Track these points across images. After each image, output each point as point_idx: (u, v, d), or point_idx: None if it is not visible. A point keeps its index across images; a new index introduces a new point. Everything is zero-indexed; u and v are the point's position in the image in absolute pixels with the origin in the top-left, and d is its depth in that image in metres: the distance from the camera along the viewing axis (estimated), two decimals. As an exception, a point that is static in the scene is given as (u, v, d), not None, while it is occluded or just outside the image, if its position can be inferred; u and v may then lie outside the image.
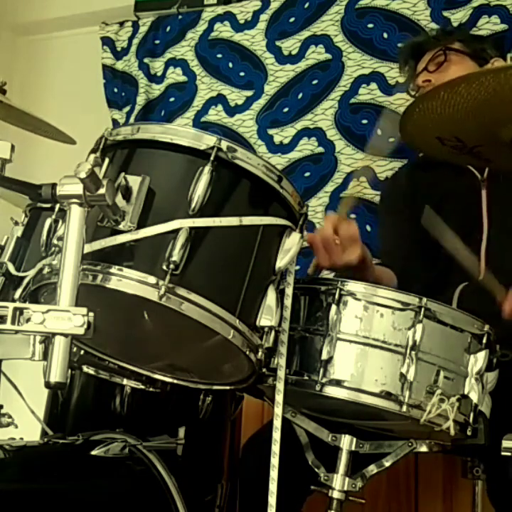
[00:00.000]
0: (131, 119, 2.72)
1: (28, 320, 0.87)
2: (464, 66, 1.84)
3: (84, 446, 1.43)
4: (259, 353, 1.13)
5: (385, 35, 2.34)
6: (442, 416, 1.17)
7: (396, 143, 2.19)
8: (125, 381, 1.54)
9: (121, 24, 2.83)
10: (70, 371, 1.37)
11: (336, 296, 1.19)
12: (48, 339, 0.88)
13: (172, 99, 2.69)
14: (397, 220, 1.91)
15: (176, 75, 2.69)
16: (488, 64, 1.85)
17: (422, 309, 1.18)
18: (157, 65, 2.73)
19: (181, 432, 1.57)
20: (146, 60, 2.75)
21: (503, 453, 1.17)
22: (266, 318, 1.13)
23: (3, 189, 1.07)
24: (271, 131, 2.48)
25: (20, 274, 1.36)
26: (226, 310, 1.07)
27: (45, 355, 0.89)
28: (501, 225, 1.73)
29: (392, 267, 1.74)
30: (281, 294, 1.17)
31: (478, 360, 1.21)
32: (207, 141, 1.10)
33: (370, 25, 2.36)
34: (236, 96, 2.57)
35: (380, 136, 1.96)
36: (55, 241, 1.11)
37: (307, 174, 2.39)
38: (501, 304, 1.36)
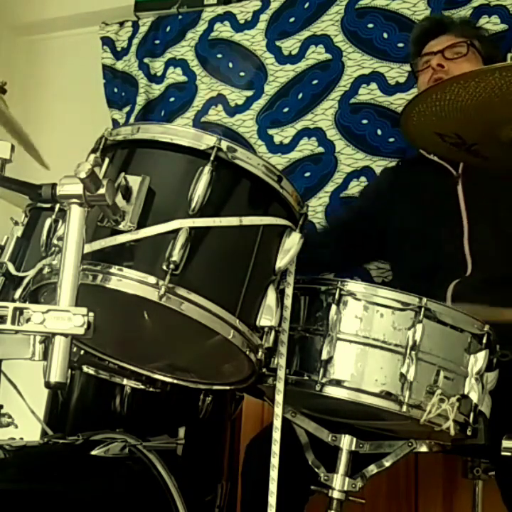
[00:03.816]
0: (131, 119, 2.71)
1: (28, 320, 0.87)
2: (477, 66, 1.83)
3: (84, 446, 1.43)
4: (259, 353, 1.13)
5: (385, 35, 2.34)
6: (442, 416, 1.17)
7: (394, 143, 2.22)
8: (125, 381, 1.54)
9: (121, 24, 2.83)
10: (70, 371, 1.37)
11: (336, 296, 1.19)
12: (47, 339, 0.88)
13: (172, 99, 2.68)
14: (365, 204, 2.02)
15: (175, 75, 2.69)
16: None
17: (422, 309, 1.18)
18: (157, 65, 2.73)
19: (181, 432, 1.57)
20: (146, 60, 2.75)
21: (503, 453, 1.17)
22: (266, 318, 1.13)
23: (3, 189, 1.07)
24: (271, 131, 2.48)
25: (20, 274, 1.35)
26: (226, 310, 1.07)
27: (45, 355, 0.89)
28: (480, 218, 1.74)
29: None
30: (281, 294, 1.17)
31: (478, 360, 1.21)
32: (207, 141, 1.10)
33: (370, 25, 2.36)
34: (236, 96, 2.57)
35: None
36: (55, 241, 1.11)
37: (307, 174, 2.38)
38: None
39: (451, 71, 1.80)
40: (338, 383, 1.16)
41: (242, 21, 2.60)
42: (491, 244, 1.70)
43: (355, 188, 2.28)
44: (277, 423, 1.15)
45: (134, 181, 1.07)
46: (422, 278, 1.73)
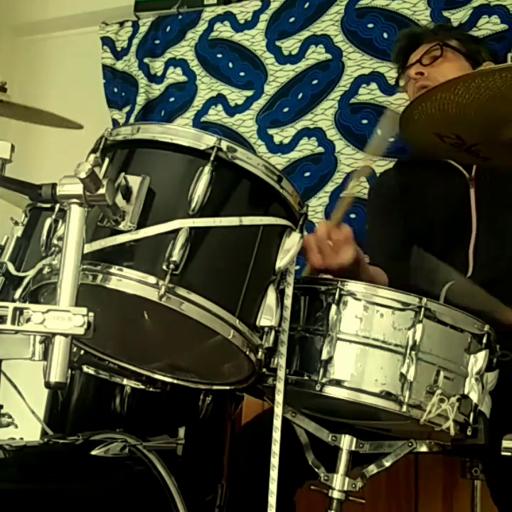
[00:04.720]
0: (131, 119, 2.72)
1: (28, 320, 0.87)
2: (458, 65, 1.84)
3: (84, 446, 1.43)
4: (259, 353, 1.13)
5: (385, 35, 2.34)
6: (442, 416, 1.16)
7: (395, 142, 2.19)
8: (125, 381, 1.54)
9: (121, 24, 2.83)
10: (70, 371, 1.37)
11: (336, 296, 1.19)
12: (47, 339, 0.88)
13: (172, 99, 2.69)
14: (385, 220, 1.91)
15: (176, 75, 2.69)
16: (480, 67, 1.84)
17: (422, 309, 1.18)
18: (157, 65, 2.73)
19: (181, 432, 1.57)
20: (146, 60, 2.75)
21: (503, 453, 1.17)
22: (266, 318, 1.13)
23: (3, 189, 1.07)
24: (271, 131, 2.48)
25: (20, 274, 1.36)
26: (226, 310, 1.07)
27: (45, 355, 0.89)
28: (490, 223, 1.73)
29: (381, 267, 1.74)
30: (281, 294, 1.17)
31: (478, 360, 1.21)
32: (207, 141, 1.10)
33: (370, 25, 2.36)
34: (236, 96, 2.57)
35: (379, 136, 1.95)
36: (55, 241, 1.11)
37: (307, 174, 2.39)
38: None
39: (432, 75, 1.81)
40: (338, 383, 1.16)
41: (242, 21, 2.60)
42: (496, 251, 1.69)
43: (355, 188, 2.28)
44: (277, 423, 1.15)
45: (134, 181, 1.07)
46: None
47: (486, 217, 1.74)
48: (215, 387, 1.34)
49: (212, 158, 1.08)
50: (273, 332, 1.15)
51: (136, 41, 2.78)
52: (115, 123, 2.76)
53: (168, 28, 2.73)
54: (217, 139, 1.10)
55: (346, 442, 1.26)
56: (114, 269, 1.04)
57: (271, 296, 1.14)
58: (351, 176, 2.28)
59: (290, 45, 2.50)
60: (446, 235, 1.77)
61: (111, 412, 1.66)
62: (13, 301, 1.30)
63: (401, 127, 1.37)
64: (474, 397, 1.20)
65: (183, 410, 1.65)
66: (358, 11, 2.39)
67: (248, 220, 1.11)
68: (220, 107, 2.59)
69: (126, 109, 2.77)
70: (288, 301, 1.18)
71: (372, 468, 1.28)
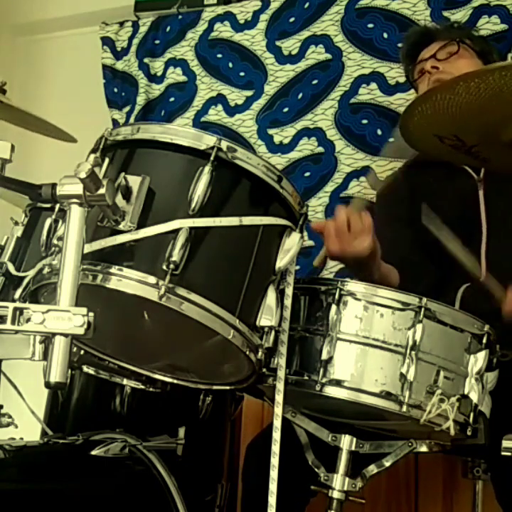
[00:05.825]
0: (131, 119, 2.72)
1: (28, 320, 0.87)
2: (472, 63, 1.83)
3: (84, 446, 1.43)
4: (259, 353, 1.13)
5: (385, 35, 2.34)
6: (442, 416, 1.17)
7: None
8: (125, 381, 1.54)
9: (121, 24, 2.83)
10: (70, 371, 1.37)
11: (336, 296, 1.19)
12: (47, 339, 0.88)
13: (172, 99, 2.69)
14: (397, 227, 1.89)
15: (176, 75, 2.69)
16: None
17: (422, 309, 1.18)
18: (157, 65, 2.73)
19: (181, 432, 1.58)
20: (146, 60, 2.75)
21: (503, 453, 1.17)
22: (266, 318, 1.13)
23: (3, 189, 1.07)
24: (271, 131, 2.48)
25: (20, 274, 1.36)
26: (226, 310, 1.07)
27: (45, 355, 0.89)
28: (500, 224, 1.72)
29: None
30: (281, 294, 1.17)
31: (478, 360, 1.21)
32: (207, 141, 1.10)
33: (370, 25, 2.36)
34: (236, 96, 2.57)
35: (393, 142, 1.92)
36: (55, 241, 1.11)
37: (307, 174, 2.39)
38: (501, 303, 1.36)
39: (448, 70, 1.80)
40: (338, 383, 1.16)
41: (242, 21, 2.60)
42: (509, 252, 1.68)
43: (355, 188, 2.28)
44: (277, 423, 1.15)
45: (134, 181, 1.07)
46: (436, 284, 1.71)
47: (495, 218, 1.73)
48: (215, 387, 1.34)
49: (212, 158, 1.08)
50: (273, 332, 1.15)
51: (136, 41, 2.78)
52: (115, 123, 2.76)
53: (168, 28, 2.73)
54: (217, 139, 1.10)
55: (346, 442, 1.26)
56: (114, 269, 1.04)
57: (271, 296, 1.14)
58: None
59: (290, 45, 2.50)
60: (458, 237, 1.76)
61: (111, 412, 1.66)
62: (13, 301, 1.30)
63: (401, 130, 1.37)
64: (474, 397, 1.20)
65: (183, 410, 1.65)
66: (358, 11, 2.39)
67: (248, 220, 1.11)
68: (220, 107, 2.59)
69: (126, 109, 2.77)
70: (288, 301, 1.18)
71: (372, 468, 1.28)
